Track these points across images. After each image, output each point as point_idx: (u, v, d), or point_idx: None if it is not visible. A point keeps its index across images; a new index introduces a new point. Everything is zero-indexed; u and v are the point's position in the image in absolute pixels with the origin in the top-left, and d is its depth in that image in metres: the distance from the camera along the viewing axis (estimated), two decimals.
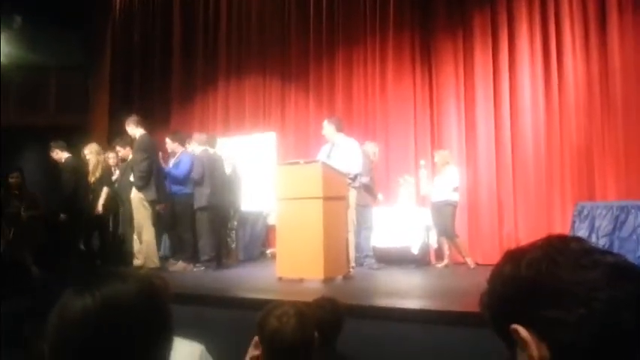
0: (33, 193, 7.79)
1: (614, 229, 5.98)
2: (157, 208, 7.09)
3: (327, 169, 5.70)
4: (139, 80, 11.17)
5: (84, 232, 7.87)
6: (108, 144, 8.74)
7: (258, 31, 9.82)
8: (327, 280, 5.47)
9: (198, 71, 10.46)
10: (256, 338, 1.92)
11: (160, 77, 10.87)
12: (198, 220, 7.03)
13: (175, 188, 7.25)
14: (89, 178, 7.69)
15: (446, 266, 7.09)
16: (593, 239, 5.86)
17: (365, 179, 6.70)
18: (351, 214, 6.23)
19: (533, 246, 0.80)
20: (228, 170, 7.61)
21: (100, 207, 7.56)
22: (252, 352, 1.90)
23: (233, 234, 7.99)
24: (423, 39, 8.21)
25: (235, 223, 8.01)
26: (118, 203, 7.56)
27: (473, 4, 7.89)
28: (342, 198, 5.89)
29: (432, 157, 7.54)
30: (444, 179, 7.05)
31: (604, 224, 6.03)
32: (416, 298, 5.14)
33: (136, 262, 6.87)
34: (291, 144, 9.10)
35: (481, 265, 6.89)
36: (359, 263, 6.62)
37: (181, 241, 7.28)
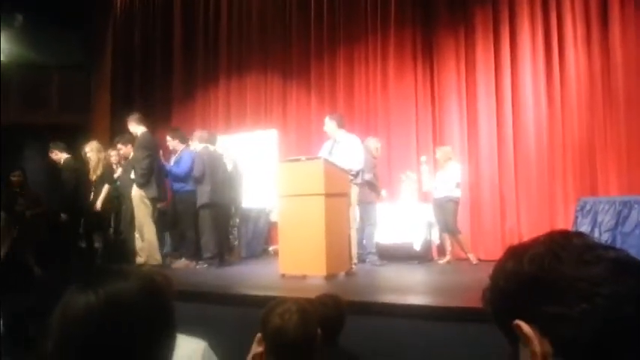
0: (35, 191, 7.80)
1: (616, 224, 5.96)
2: (159, 205, 7.10)
3: (329, 165, 5.70)
4: (140, 78, 11.17)
5: (85, 231, 7.87)
6: (109, 143, 8.74)
7: (260, 29, 9.81)
8: (330, 276, 5.47)
9: (199, 69, 10.45)
10: (259, 335, 1.92)
11: (161, 75, 10.87)
12: (201, 217, 7.04)
13: (177, 186, 7.26)
14: (90, 176, 7.68)
15: (448, 262, 7.07)
16: (596, 234, 5.85)
17: (368, 176, 6.69)
18: (353, 211, 6.23)
19: (535, 241, 0.80)
20: (228, 167, 7.61)
21: (98, 204, 7.54)
22: (256, 348, 1.90)
23: (235, 231, 7.99)
24: (424, 35, 8.20)
25: (237, 220, 8.01)
26: (120, 201, 7.57)
27: (474, 0, 7.88)
28: (344, 195, 5.89)
29: (434, 153, 7.53)
30: (446, 175, 7.04)
31: (606, 219, 6.01)
32: (418, 294, 5.14)
33: (139, 259, 6.87)
34: (292, 141, 9.09)
35: (483, 261, 6.87)
36: (361, 260, 6.62)
37: (183, 239, 7.28)
